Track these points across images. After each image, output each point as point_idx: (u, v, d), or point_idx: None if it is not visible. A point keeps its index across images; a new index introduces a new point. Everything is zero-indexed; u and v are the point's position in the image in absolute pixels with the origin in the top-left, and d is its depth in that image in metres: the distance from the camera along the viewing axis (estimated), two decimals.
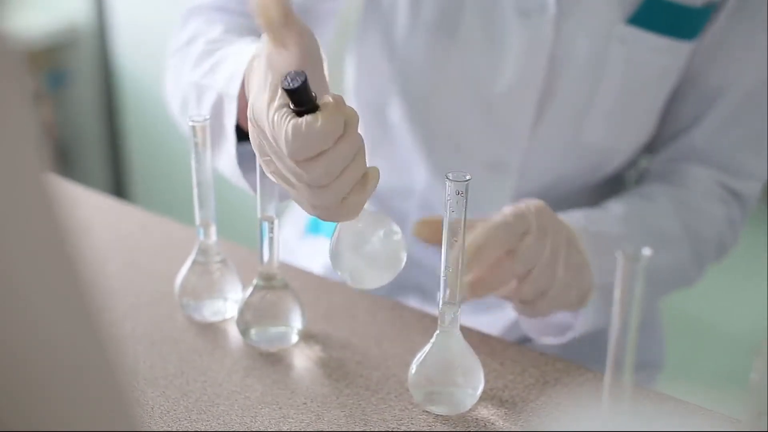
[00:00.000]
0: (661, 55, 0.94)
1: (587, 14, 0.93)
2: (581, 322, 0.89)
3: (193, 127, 0.78)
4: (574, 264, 0.81)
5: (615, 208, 0.94)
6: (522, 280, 0.79)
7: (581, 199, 1.02)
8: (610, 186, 1.05)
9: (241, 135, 0.79)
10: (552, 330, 0.89)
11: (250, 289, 0.80)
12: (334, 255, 0.72)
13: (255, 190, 0.77)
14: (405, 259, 0.71)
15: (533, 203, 0.80)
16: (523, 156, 0.99)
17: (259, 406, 0.73)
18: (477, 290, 0.78)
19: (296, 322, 0.80)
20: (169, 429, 0.70)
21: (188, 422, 0.71)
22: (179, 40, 0.92)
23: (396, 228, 0.71)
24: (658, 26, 0.93)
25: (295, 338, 0.80)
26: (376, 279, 0.72)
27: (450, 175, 0.66)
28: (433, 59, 0.98)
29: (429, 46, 0.97)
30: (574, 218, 0.88)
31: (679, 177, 0.99)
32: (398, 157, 1.06)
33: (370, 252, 0.71)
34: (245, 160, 0.80)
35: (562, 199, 1.02)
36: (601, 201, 0.97)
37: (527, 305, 0.81)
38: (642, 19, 0.93)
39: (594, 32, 0.93)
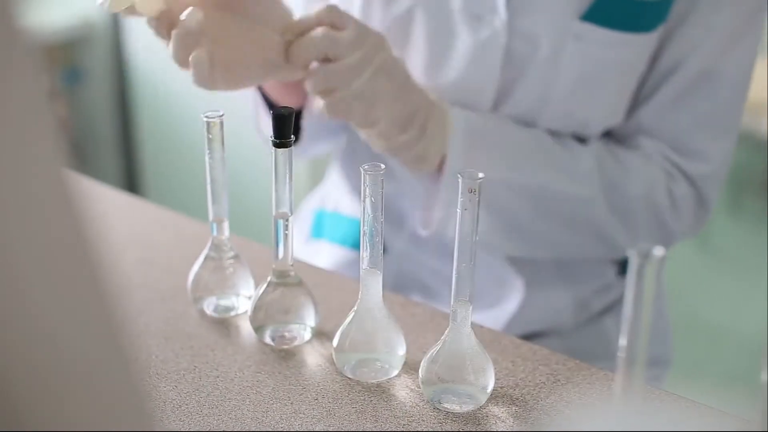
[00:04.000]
0: (620, 49, 0.92)
1: (539, 14, 0.92)
2: (441, 202, 0.91)
3: (207, 123, 0.78)
4: (393, 77, 0.84)
5: (535, 129, 0.96)
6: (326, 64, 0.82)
7: None
8: None
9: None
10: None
11: (263, 286, 0.80)
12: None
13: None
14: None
15: (374, 33, 0.84)
16: None
17: (271, 402, 0.73)
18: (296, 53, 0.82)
19: (309, 319, 0.80)
20: (181, 423, 0.71)
21: (200, 417, 0.72)
22: None
23: None
24: (614, 22, 0.91)
25: (308, 335, 0.81)
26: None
27: (462, 173, 0.67)
28: None
29: None
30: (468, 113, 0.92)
31: (627, 143, 0.99)
32: None
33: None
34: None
35: None
36: None
37: (326, 94, 0.83)
38: (596, 15, 0.91)
39: (547, 31, 0.92)
